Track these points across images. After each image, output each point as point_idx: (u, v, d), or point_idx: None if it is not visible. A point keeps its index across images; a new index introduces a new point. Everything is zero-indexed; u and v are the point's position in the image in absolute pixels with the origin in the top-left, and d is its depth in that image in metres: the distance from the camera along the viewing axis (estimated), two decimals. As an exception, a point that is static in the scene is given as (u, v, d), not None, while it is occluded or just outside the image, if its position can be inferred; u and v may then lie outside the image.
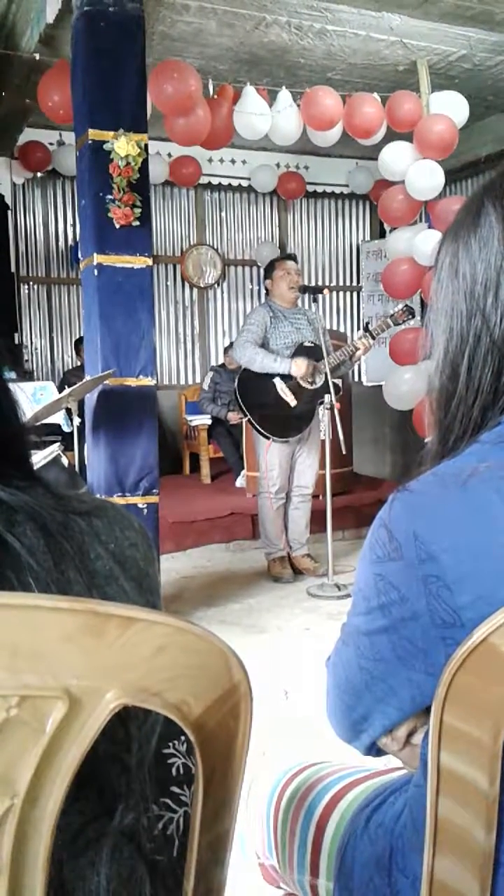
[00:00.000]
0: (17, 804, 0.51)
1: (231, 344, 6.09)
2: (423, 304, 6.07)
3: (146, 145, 3.47)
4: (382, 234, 7.46)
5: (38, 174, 6.49)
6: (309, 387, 4.36)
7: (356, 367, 7.26)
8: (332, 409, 4.17)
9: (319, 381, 4.37)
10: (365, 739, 0.86)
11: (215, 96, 4.75)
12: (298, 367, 4.27)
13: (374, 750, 0.88)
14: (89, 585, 0.64)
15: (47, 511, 0.64)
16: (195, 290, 7.60)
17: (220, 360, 7.09)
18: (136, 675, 0.52)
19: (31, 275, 6.96)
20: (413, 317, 4.61)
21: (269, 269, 4.60)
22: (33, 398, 4.32)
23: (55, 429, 4.54)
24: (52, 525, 0.64)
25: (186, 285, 7.55)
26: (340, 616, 0.92)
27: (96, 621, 0.50)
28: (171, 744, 0.69)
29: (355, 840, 0.97)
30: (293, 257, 4.72)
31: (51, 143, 6.16)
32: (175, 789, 0.68)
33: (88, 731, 0.51)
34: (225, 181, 7.18)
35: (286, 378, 4.33)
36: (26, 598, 0.52)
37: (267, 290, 4.67)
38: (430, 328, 0.86)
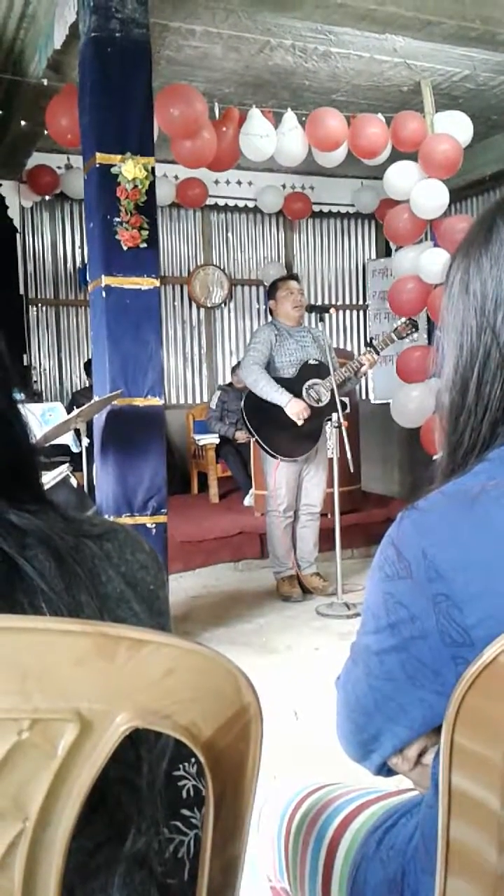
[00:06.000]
0: (29, 827, 0.50)
1: (238, 363, 6.11)
2: (429, 322, 6.08)
3: (153, 168, 3.50)
4: (388, 253, 7.49)
5: (47, 197, 6.56)
6: (316, 405, 4.37)
7: (363, 385, 7.27)
8: (339, 427, 4.17)
9: (326, 399, 4.38)
10: (375, 759, 0.86)
11: (221, 119, 4.80)
12: (293, 407, 4.26)
13: (385, 770, 0.87)
14: (101, 609, 0.64)
15: (58, 535, 0.64)
16: (202, 310, 7.63)
17: (228, 380, 7.11)
18: (146, 697, 0.52)
19: (39, 297, 7.01)
20: (416, 330, 4.61)
21: (273, 289, 4.63)
22: (42, 419, 4.33)
23: (64, 450, 4.55)
24: (64, 549, 0.64)
25: (194, 305, 7.59)
26: (350, 635, 0.92)
27: (106, 644, 0.50)
28: (181, 766, 0.68)
29: (367, 862, 0.96)
30: (295, 277, 4.74)
31: (59, 167, 6.23)
32: (186, 812, 0.68)
33: (100, 754, 0.51)
34: (231, 202, 7.24)
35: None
36: (37, 622, 0.52)
37: (271, 310, 4.68)
38: (440, 343, 0.87)
